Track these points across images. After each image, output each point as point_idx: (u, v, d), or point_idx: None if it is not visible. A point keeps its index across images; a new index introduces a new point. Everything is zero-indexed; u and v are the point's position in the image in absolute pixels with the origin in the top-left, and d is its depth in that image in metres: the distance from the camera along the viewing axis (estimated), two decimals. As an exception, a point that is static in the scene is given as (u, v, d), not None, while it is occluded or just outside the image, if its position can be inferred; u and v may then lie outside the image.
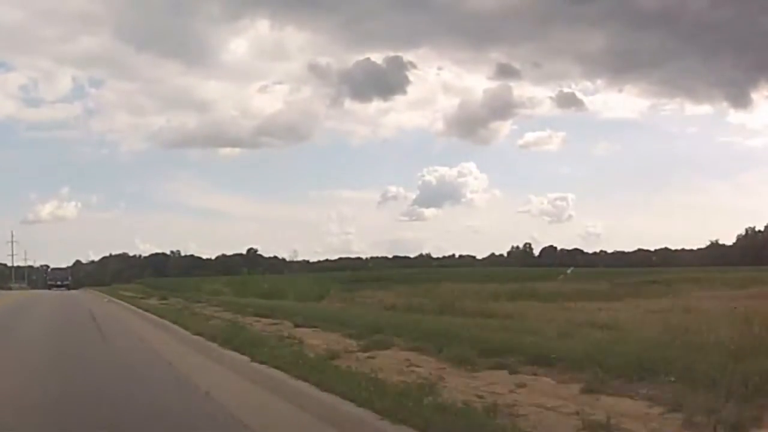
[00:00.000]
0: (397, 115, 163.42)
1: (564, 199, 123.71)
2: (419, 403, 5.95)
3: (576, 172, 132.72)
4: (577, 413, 5.69)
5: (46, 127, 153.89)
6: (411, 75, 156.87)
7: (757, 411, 5.25)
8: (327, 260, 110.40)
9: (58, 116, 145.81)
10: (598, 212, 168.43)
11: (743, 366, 6.15)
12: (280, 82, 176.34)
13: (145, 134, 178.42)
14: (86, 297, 41.52)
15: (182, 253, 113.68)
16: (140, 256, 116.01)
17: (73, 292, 57.21)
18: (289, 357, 8.88)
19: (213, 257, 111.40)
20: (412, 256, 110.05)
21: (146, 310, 22.19)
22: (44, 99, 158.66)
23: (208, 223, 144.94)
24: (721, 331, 8.58)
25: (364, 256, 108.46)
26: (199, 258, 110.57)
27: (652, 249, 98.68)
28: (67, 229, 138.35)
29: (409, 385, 6.77)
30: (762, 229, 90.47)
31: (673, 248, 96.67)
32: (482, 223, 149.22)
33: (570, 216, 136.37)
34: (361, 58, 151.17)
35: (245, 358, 9.57)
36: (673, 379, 6.36)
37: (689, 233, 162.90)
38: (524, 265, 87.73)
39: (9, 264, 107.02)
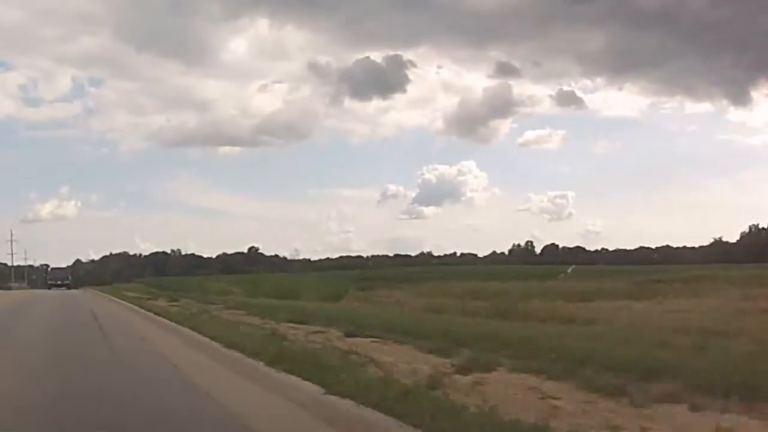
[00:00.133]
0: (396, 113, 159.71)
1: (564, 197, 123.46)
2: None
3: (576, 170, 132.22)
4: None
5: (46, 126, 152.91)
6: (411, 74, 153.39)
7: None
8: (328, 258, 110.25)
9: (58, 116, 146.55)
10: (598, 210, 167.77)
11: None
12: (279, 81, 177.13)
13: (145, 133, 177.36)
14: (87, 297, 39.86)
15: (182, 252, 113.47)
16: (140, 255, 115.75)
17: (73, 291, 55.96)
18: (375, 385, 6.52)
19: (214, 256, 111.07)
20: (412, 254, 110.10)
21: (158, 314, 20.30)
22: (44, 98, 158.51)
23: (208, 222, 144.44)
24: None
25: (364, 255, 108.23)
26: (200, 257, 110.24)
27: (653, 247, 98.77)
28: (67, 228, 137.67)
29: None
30: (766, 226, 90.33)
31: (674, 246, 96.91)
32: (482, 221, 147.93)
33: (570, 214, 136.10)
34: (360, 56, 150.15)
35: (316, 388, 6.80)
36: None
37: (690, 231, 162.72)
38: (526, 263, 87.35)
39: (9, 263, 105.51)
